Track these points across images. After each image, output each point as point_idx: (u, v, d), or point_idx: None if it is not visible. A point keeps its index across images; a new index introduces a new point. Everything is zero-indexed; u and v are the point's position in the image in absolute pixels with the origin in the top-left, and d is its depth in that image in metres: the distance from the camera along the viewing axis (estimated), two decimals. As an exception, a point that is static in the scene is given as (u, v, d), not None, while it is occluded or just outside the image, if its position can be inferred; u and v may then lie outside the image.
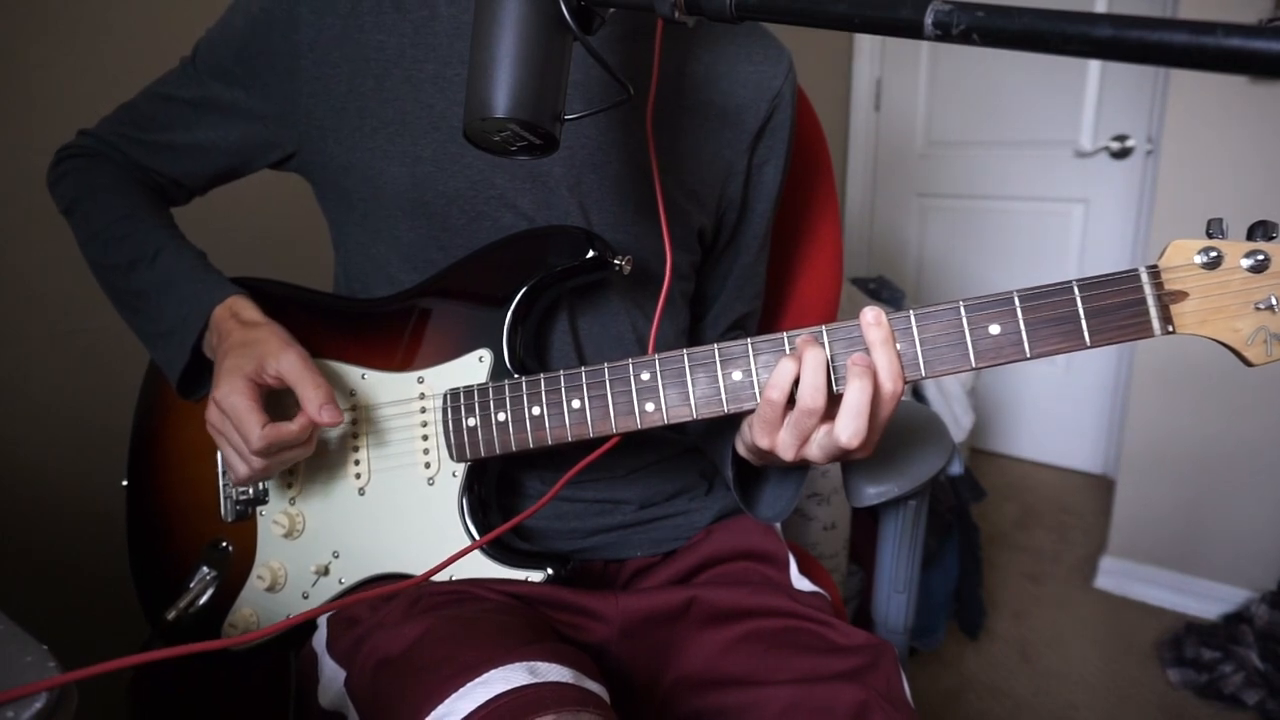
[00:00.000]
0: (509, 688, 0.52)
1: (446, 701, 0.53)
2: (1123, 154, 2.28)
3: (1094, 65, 2.28)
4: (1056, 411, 2.63)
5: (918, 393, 1.99)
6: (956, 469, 0.86)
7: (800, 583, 0.79)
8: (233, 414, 0.62)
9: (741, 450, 0.68)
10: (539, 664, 0.55)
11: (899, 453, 0.82)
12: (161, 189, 0.79)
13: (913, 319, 0.56)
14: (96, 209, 0.74)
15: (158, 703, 0.79)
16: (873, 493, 0.79)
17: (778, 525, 0.87)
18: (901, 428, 0.85)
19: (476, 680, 0.53)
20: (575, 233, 0.67)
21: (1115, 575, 2.00)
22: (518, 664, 0.55)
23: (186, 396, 0.73)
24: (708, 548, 0.80)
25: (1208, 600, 1.86)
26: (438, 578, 0.67)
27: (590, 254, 0.66)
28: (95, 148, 0.78)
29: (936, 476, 0.81)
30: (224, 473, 0.75)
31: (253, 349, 0.64)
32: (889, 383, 0.56)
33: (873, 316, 0.56)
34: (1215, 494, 1.82)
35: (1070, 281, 0.54)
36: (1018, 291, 0.55)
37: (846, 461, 0.70)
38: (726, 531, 0.81)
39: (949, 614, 1.84)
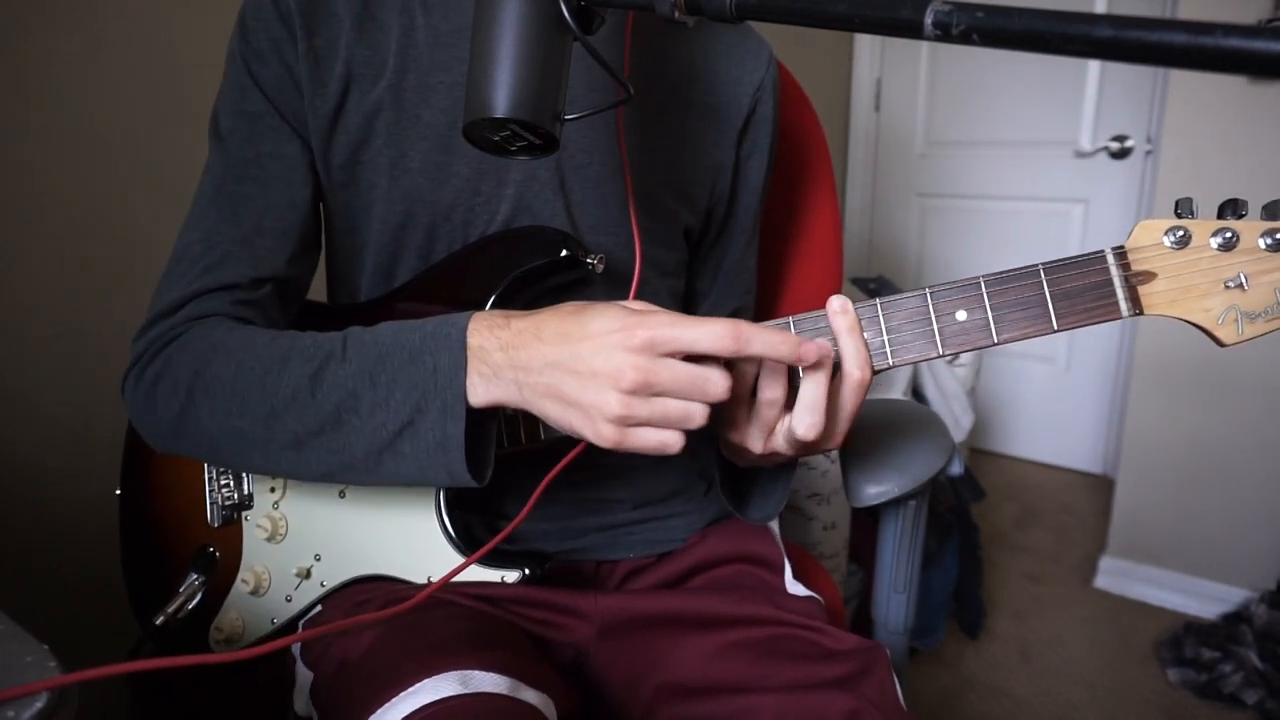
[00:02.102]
0: (436, 698, 0.53)
1: (378, 712, 0.54)
2: (1122, 154, 2.28)
3: (1093, 65, 2.28)
4: (1056, 411, 2.63)
5: (917, 393, 1.99)
6: (956, 469, 0.86)
7: (794, 587, 0.78)
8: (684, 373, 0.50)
9: (725, 451, 0.67)
10: (474, 673, 0.55)
11: (899, 453, 0.82)
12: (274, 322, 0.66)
13: (879, 307, 0.56)
14: (227, 362, 0.58)
15: (157, 693, 0.79)
16: (873, 493, 0.79)
17: (776, 527, 0.87)
18: (902, 428, 0.85)
19: (408, 690, 0.54)
20: (549, 232, 0.67)
21: (1115, 575, 2.00)
22: (450, 673, 0.55)
23: (480, 480, 0.56)
24: (702, 551, 0.79)
25: (1207, 600, 1.86)
26: (411, 581, 0.67)
27: (563, 253, 0.65)
28: (171, 329, 0.62)
29: (936, 476, 0.81)
30: (210, 479, 0.74)
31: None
32: (856, 370, 0.55)
33: (839, 305, 0.55)
34: (1215, 494, 1.82)
35: (1036, 265, 0.54)
36: (984, 276, 0.55)
37: (829, 455, 0.70)
38: (722, 534, 0.81)
39: (949, 614, 1.84)
